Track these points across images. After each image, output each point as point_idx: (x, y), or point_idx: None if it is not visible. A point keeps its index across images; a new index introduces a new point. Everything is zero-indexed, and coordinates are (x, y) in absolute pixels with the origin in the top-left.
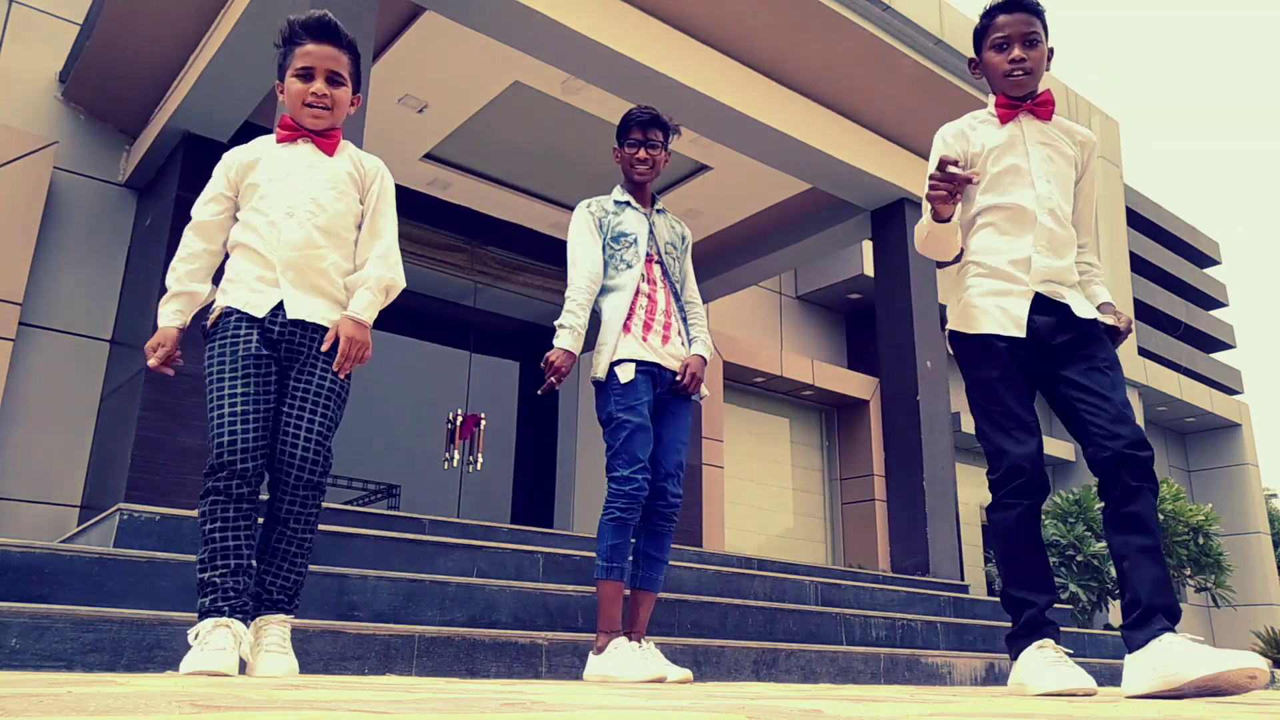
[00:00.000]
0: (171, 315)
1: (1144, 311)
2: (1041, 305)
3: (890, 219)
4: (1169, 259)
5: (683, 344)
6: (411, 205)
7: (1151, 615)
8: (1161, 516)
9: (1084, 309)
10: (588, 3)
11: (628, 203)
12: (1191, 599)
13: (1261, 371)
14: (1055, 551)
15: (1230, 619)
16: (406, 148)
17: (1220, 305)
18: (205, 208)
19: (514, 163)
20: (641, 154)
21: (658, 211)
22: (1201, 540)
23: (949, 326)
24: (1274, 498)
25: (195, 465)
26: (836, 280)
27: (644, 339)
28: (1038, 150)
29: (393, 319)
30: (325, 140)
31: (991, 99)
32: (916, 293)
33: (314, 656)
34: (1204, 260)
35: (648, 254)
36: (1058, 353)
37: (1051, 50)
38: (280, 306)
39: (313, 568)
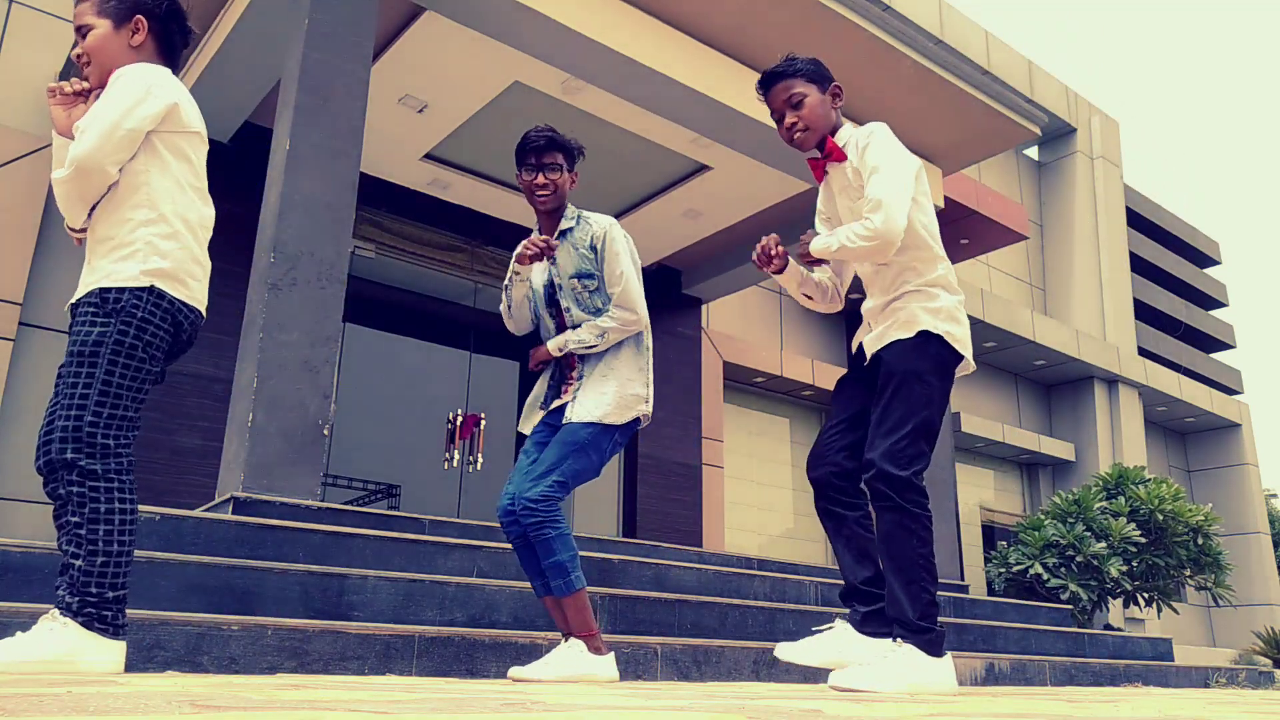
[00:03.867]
0: None
1: (1144, 311)
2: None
3: None
4: (1169, 259)
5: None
6: (411, 205)
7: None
8: (1161, 517)
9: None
10: (588, 3)
11: None
12: (1191, 598)
13: (1261, 371)
14: (1055, 552)
15: (1230, 619)
16: (406, 148)
17: (1220, 305)
18: None
19: (514, 163)
20: (540, 179)
21: (562, 234)
22: (1201, 540)
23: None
24: (1274, 498)
25: (195, 465)
26: None
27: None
28: (843, 200)
29: (393, 319)
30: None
31: None
32: None
33: (314, 656)
34: (1204, 260)
35: (549, 299)
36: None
37: (838, 90)
38: None
39: (313, 568)
